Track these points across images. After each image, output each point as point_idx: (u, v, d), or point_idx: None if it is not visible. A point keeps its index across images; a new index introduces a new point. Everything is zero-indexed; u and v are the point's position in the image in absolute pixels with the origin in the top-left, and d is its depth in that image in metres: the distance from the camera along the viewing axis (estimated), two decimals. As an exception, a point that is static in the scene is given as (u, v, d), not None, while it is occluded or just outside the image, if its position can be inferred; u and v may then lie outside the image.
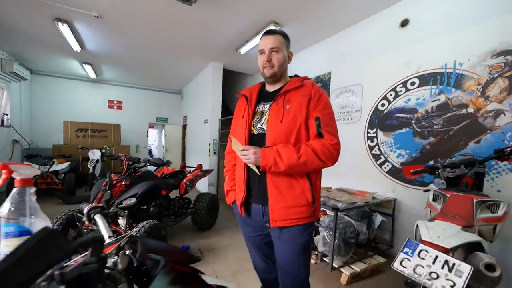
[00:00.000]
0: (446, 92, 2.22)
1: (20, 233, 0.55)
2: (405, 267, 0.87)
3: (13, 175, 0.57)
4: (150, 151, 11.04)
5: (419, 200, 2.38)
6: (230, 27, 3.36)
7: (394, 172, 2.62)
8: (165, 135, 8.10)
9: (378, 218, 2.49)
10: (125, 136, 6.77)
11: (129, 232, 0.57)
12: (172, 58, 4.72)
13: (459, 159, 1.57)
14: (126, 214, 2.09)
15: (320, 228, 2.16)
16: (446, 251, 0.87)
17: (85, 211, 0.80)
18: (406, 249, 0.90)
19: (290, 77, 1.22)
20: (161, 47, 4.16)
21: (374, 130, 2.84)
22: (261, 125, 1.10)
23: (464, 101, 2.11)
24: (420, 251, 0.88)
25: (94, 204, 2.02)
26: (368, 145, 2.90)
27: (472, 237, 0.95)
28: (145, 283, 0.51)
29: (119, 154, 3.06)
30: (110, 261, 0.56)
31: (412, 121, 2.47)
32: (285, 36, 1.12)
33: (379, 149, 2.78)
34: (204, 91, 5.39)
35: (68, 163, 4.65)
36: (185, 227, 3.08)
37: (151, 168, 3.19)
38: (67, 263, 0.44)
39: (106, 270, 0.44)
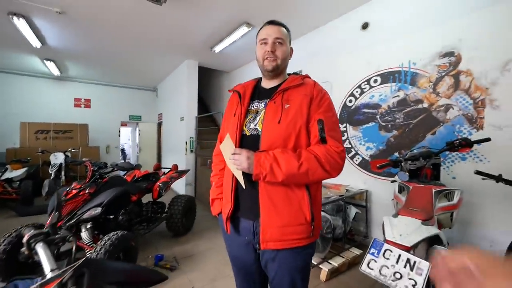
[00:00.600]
0: (404, 89, 2.38)
1: None
2: (372, 269, 0.89)
3: None
4: (123, 150, 10.47)
5: (388, 190, 2.52)
6: (202, 26, 3.30)
7: (364, 164, 2.75)
8: (139, 134, 7.71)
9: (353, 211, 2.60)
10: (94, 137, 6.32)
11: (76, 263, 0.50)
12: (145, 54, 4.50)
13: (418, 152, 1.67)
14: (89, 226, 1.96)
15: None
16: (407, 249, 0.92)
17: (24, 239, 0.69)
18: (372, 250, 0.93)
19: (289, 74, 1.09)
20: (132, 43, 3.94)
21: (344, 124, 2.95)
22: (255, 125, 0.95)
23: (419, 97, 2.27)
24: (385, 251, 0.91)
25: (50, 217, 1.85)
26: (340, 139, 3.00)
27: (430, 231, 1.01)
28: None
29: (83, 159, 2.84)
30: None
31: (377, 116, 2.59)
32: (288, 29, 1.02)
33: (349, 142, 2.89)
34: (180, 88, 5.20)
35: (24, 169, 4.21)
36: (159, 233, 2.94)
37: (120, 172, 3.01)
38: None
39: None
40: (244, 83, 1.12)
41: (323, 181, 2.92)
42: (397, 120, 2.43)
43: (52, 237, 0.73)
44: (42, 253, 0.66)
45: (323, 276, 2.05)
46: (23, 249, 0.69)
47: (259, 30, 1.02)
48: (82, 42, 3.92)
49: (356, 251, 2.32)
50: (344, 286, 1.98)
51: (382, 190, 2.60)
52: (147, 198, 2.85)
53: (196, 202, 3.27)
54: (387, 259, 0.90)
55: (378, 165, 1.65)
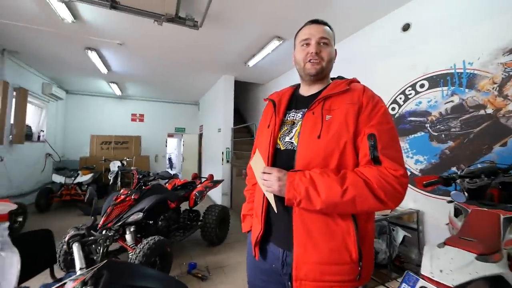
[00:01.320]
0: (459, 93, 2.04)
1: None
2: None
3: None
4: (170, 159, 11.48)
5: (446, 210, 2.15)
6: (236, 44, 3.50)
7: (414, 180, 2.41)
8: (183, 144, 8.36)
9: (400, 233, 2.27)
10: (146, 147, 7.12)
11: (99, 264, 0.56)
12: (187, 73, 4.96)
13: (479, 168, 1.39)
14: (132, 229, 2.16)
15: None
16: None
17: (66, 239, 0.81)
18: (404, 285, 0.77)
19: (333, 79, 0.94)
20: (176, 64, 4.41)
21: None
22: (290, 138, 0.82)
23: (480, 101, 1.91)
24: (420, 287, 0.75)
25: (103, 219, 2.11)
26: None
27: (488, 269, 0.80)
28: None
29: (132, 167, 3.19)
30: None
31: (426, 125, 2.27)
32: (332, 29, 0.90)
33: (394, 155, 2.59)
34: (218, 101, 5.51)
35: (91, 174, 4.95)
36: (194, 241, 3.06)
37: (162, 180, 3.28)
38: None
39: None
40: (280, 91, 1.00)
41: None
42: (453, 129, 2.08)
43: (86, 239, 0.82)
44: (75, 252, 0.76)
45: None
46: (65, 247, 0.79)
47: (299, 31, 0.90)
48: (136, 66, 4.56)
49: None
50: None
51: (438, 211, 2.22)
52: (184, 206, 3.02)
53: (231, 213, 3.32)
54: None
55: (424, 182, 1.42)
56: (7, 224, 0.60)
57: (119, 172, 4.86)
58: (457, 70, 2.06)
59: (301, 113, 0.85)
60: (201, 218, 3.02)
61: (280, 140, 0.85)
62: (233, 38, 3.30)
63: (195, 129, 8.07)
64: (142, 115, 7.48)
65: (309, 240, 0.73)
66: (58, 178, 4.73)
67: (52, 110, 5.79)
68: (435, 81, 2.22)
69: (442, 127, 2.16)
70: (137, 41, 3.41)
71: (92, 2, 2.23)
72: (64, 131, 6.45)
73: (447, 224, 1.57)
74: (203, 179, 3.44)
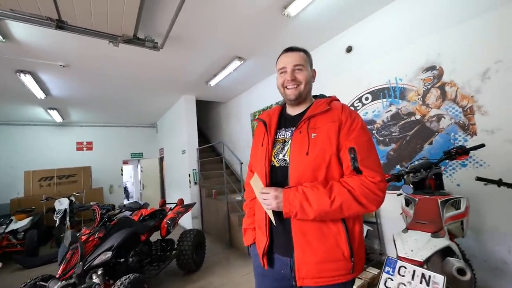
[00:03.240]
0: (395, 103, 2.51)
1: None
2: None
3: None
4: (125, 188, 10.39)
5: (397, 203, 2.51)
6: (197, 64, 3.54)
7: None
8: (141, 170, 7.74)
9: (364, 229, 2.56)
10: (97, 178, 6.32)
11: None
12: (144, 94, 4.74)
13: (418, 163, 1.73)
14: (100, 272, 1.92)
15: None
16: (421, 264, 0.93)
17: None
18: (387, 268, 0.93)
19: (315, 97, 1.04)
20: (131, 86, 4.18)
21: (344, 143, 3.03)
22: (284, 156, 0.92)
23: (411, 109, 2.39)
24: (400, 267, 0.92)
25: (61, 267, 1.83)
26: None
27: (441, 243, 1.03)
28: None
29: (91, 203, 2.85)
30: None
31: (373, 131, 2.69)
32: (307, 53, 0.99)
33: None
34: (179, 122, 5.37)
35: (29, 218, 4.16)
36: (171, 272, 2.85)
37: (127, 212, 3.00)
38: None
39: None
40: (269, 111, 1.10)
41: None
42: (394, 134, 2.52)
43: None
44: None
45: None
46: None
47: (277, 59, 1.00)
48: (84, 90, 4.15)
49: (373, 271, 2.25)
50: None
51: (391, 205, 2.57)
52: (155, 236, 2.80)
53: (205, 236, 3.21)
54: (403, 276, 0.90)
55: (381, 180, 1.69)
56: (18, 224, 0.53)
57: (67, 211, 4.20)
58: (392, 85, 2.53)
59: (290, 131, 0.96)
60: (175, 246, 2.84)
61: (274, 157, 0.95)
62: (195, 58, 3.34)
63: (155, 153, 7.61)
64: (90, 143, 6.73)
65: (306, 244, 0.83)
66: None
67: (-31, 146, 4.78)
68: (376, 94, 2.67)
69: (386, 133, 2.59)
70: (86, 62, 3.13)
71: (33, 21, 1.96)
72: (-14, 170, 5.34)
73: (401, 213, 1.85)
74: (172, 205, 3.26)
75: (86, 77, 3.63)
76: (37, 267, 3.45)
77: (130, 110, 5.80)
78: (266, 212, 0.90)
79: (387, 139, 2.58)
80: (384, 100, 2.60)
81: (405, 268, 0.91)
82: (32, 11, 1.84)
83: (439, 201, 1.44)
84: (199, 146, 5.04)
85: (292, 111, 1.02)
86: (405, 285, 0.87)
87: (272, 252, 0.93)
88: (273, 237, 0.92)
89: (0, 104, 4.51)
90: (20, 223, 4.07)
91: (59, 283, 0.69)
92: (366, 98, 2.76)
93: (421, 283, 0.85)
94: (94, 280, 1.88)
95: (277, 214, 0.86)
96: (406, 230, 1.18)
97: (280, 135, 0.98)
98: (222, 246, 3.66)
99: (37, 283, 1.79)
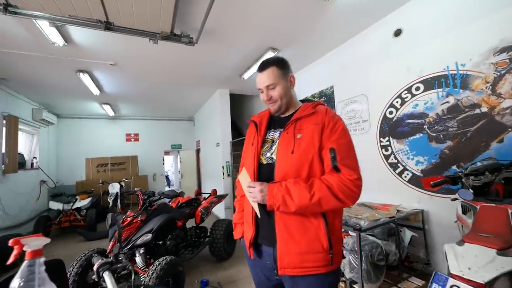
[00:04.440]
0: (454, 93, 2.14)
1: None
2: None
3: (24, 248, 0.58)
4: (167, 177, 11.29)
5: (450, 208, 2.20)
6: (231, 57, 3.56)
7: (416, 181, 2.47)
8: (181, 161, 8.29)
9: (407, 234, 2.30)
10: (142, 166, 7.02)
11: None
12: (182, 89, 4.99)
13: (482, 165, 1.45)
14: (142, 251, 2.11)
15: (344, 252, 2.03)
16: (480, 286, 0.76)
17: (95, 268, 0.81)
18: (434, 286, 0.79)
19: (302, 101, 1.13)
20: (170, 81, 4.44)
21: (387, 138, 2.74)
22: (271, 154, 1.00)
23: (475, 100, 2.01)
24: (451, 287, 0.77)
25: (111, 243, 2.06)
26: (383, 154, 2.79)
27: (510, 263, 0.83)
28: None
29: (135, 188, 3.15)
30: None
31: (424, 126, 2.36)
32: (280, 64, 1.02)
33: (395, 157, 2.66)
34: (214, 115, 5.55)
35: (89, 199, 4.83)
36: (204, 258, 3.01)
37: (166, 199, 3.24)
38: None
39: None
40: (260, 113, 1.19)
41: (368, 201, 2.71)
42: (451, 129, 2.17)
43: (115, 266, 0.82)
44: (107, 280, 0.76)
45: None
46: (94, 276, 0.79)
47: (256, 77, 1.07)
48: (129, 86, 4.56)
49: (417, 282, 2.03)
50: None
51: (443, 209, 2.27)
52: (191, 223, 2.97)
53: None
54: None
55: (432, 182, 1.47)
56: (43, 259, 0.60)
57: (119, 193, 4.75)
58: (451, 72, 2.16)
59: (278, 132, 1.04)
60: (208, 234, 2.97)
61: (262, 156, 1.03)
62: (228, 52, 3.36)
63: (192, 145, 8.05)
64: (136, 135, 7.42)
65: (288, 236, 0.90)
66: (55, 205, 4.59)
67: (44, 136, 5.68)
68: (429, 83, 2.32)
69: (440, 128, 2.25)
70: (130, 60, 3.42)
71: (86, 24, 2.18)
72: (57, 156, 6.31)
73: (455, 221, 1.60)
74: (206, 195, 3.41)
75: (131, 74, 3.97)
76: (95, 240, 4.00)
77: (170, 104, 6.20)
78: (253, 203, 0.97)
79: (441, 135, 2.24)
80: (440, 90, 2.24)
81: (458, 287, 0.76)
82: (86, 15, 2.04)
83: (510, 211, 1.19)
84: (232, 139, 5.14)
85: (281, 114, 1.10)
86: None
87: (258, 244, 1.00)
88: (259, 229, 0.99)
89: (66, 100, 5.25)
90: (83, 202, 4.76)
91: (100, 260, 0.77)
92: (417, 88, 2.43)
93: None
94: (137, 259, 2.08)
95: (262, 206, 0.93)
96: (462, 242, 1.00)
97: (269, 135, 1.07)
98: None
99: (93, 255, 2.06)
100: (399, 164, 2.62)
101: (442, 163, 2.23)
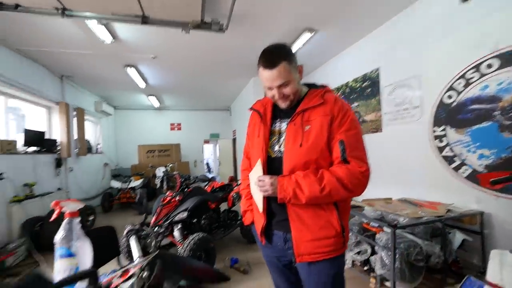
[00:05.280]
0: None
1: (68, 255, 0.66)
2: None
3: (63, 210, 0.70)
4: (207, 164, 12.06)
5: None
6: (263, 42, 3.32)
7: (476, 178, 2.10)
8: (219, 149, 8.71)
9: (458, 237, 2.01)
10: (185, 153, 7.62)
11: (153, 254, 0.66)
12: (217, 80, 5.17)
13: None
14: (179, 227, 2.33)
15: (376, 247, 1.89)
16: None
17: (124, 233, 0.92)
18: None
19: (308, 86, 1.04)
20: (206, 72, 4.63)
21: (442, 127, 2.36)
22: (279, 147, 0.97)
23: None
24: None
25: (153, 218, 2.33)
26: (437, 146, 2.42)
27: None
28: None
29: (174, 172, 3.44)
30: (129, 283, 0.62)
31: (495, 112, 1.95)
32: (289, 57, 0.91)
33: (451, 150, 2.29)
34: (248, 105, 5.60)
35: (141, 180, 5.50)
36: (235, 239, 3.16)
37: (201, 183, 3.46)
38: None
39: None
40: (262, 100, 1.10)
41: (414, 197, 2.42)
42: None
43: (140, 233, 0.92)
44: (132, 244, 0.86)
45: None
46: (124, 239, 0.91)
47: (258, 70, 0.94)
48: (170, 77, 4.91)
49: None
50: None
51: (509, 213, 1.90)
52: (224, 207, 3.13)
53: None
54: None
55: (492, 179, 1.23)
56: (79, 219, 0.70)
57: (165, 177, 5.27)
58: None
59: (285, 123, 0.99)
60: (239, 217, 3.10)
61: (270, 148, 1.00)
62: (260, 36, 3.25)
63: (229, 134, 8.34)
64: (179, 124, 8.02)
65: (302, 224, 0.91)
66: (115, 184, 5.40)
67: (104, 125, 6.59)
68: (508, 59, 1.88)
69: (517, 114, 1.83)
70: (168, 52, 3.64)
71: (125, 20, 2.39)
72: (116, 143, 7.28)
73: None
74: (239, 182, 3.52)
75: (170, 66, 4.24)
76: (146, 214, 4.61)
77: (207, 95, 6.49)
78: (263, 196, 0.96)
79: (516, 124, 1.83)
80: (522, 66, 1.80)
81: None
82: (125, 11, 2.25)
83: None
84: (267, 128, 5.14)
85: None
86: None
87: (270, 230, 1.02)
88: (271, 217, 1.00)
89: (118, 93, 5.96)
90: (136, 182, 5.45)
91: (129, 227, 0.93)
92: (489, 66, 1.99)
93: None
94: (175, 233, 2.32)
95: (274, 199, 0.93)
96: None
97: (276, 127, 1.02)
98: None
99: (141, 227, 2.36)
100: (455, 158, 2.25)
101: (514, 157, 1.84)
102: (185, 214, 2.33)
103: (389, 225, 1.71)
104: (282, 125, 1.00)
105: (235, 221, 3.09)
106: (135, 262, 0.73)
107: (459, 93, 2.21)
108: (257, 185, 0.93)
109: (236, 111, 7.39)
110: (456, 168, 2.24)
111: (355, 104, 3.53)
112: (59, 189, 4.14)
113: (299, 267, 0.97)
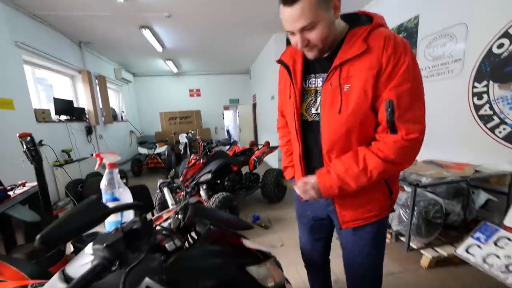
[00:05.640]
0: None
1: (113, 199, 0.75)
2: (472, 255, 0.66)
3: (104, 161, 0.77)
4: (228, 131, 12.30)
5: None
6: None
7: (516, 136, 1.93)
8: (239, 115, 8.73)
9: (482, 197, 1.95)
10: (205, 120, 7.76)
11: (184, 202, 0.74)
12: (235, 38, 4.86)
13: None
14: (205, 187, 2.50)
15: (395, 206, 1.90)
16: None
17: (158, 184, 1.02)
18: (478, 234, 0.68)
19: (351, 20, 0.78)
20: (223, 30, 4.36)
21: (484, 83, 2.12)
22: (316, 109, 0.82)
23: None
24: (499, 238, 0.64)
25: (181, 178, 2.50)
26: (474, 103, 2.21)
27: None
28: (193, 240, 0.65)
29: (196, 137, 3.57)
30: (167, 222, 0.71)
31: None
32: None
33: (491, 107, 2.08)
34: (269, 66, 5.35)
35: (166, 146, 5.81)
36: (256, 199, 3.37)
37: (223, 148, 3.57)
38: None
39: (158, 227, 0.58)
40: (291, 49, 0.88)
41: (441, 159, 2.32)
42: None
43: (172, 185, 1.02)
44: (166, 193, 0.96)
45: (424, 262, 1.77)
46: (157, 192, 1.02)
47: (279, 8, 0.72)
48: (186, 38, 4.71)
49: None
50: (454, 279, 1.61)
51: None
52: (245, 170, 3.27)
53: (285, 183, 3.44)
54: (501, 247, 0.63)
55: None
56: (117, 169, 0.77)
57: (187, 143, 5.51)
58: None
59: (321, 78, 0.81)
60: (260, 180, 3.24)
61: (306, 111, 0.85)
62: None
63: (249, 99, 8.24)
64: (198, 90, 8.02)
65: (346, 194, 0.81)
66: (143, 150, 5.78)
67: (126, 93, 6.78)
68: None
69: None
70: (183, 10, 3.45)
71: None
72: (138, 110, 7.57)
73: None
74: (260, 146, 3.59)
75: (186, 26, 4.05)
76: (174, 170, 4.99)
77: (225, 57, 6.25)
78: (300, 150, 0.89)
79: None
80: None
81: (509, 240, 0.62)
82: None
83: None
84: (286, 92, 4.96)
85: None
86: (498, 257, 0.61)
87: None
88: (309, 170, 0.91)
89: (136, 59, 5.90)
90: (161, 149, 5.77)
91: (161, 180, 1.05)
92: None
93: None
94: (201, 192, 2.51)
95: (315, 156, 0.87)
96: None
97: (311, 83, 0.83)
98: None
99: (172, 180, 2.59)
100: (494, 116, 2.06)
101: None
102: (209, 176, 2.48)
103: (410, 184, 1.69)
104: (318, 82, 0.82)
105: (256, 183, 3.24)
106: (170, 208, 0.82)
107: (512, 41, 1.90)
108: (298, 191, 0.84)
109: (256, 74, 7.14)
110: (493, 128, 2.07)
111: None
112: (92, 155, 4.55)
113: (342, 233, 0.93)
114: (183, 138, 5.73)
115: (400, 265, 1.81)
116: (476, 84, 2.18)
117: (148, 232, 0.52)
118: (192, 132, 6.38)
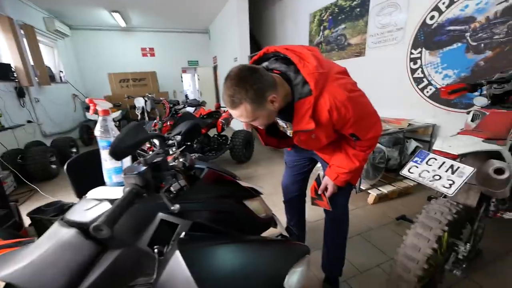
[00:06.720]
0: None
1: (109, 146, 0.80)
2: (411, 173, 0.95)
3: (97, 108, 0.78)
4: (186, 96, 11.60)
5: (460, 122, 2.25)
6: None
7: (437, 96, 2.43)
8: (198, 79, 8.27)
9: (412, 144, 2.50)
10: (161, 83, 7.13)
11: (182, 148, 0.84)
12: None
13: (510, 73, 1.39)
14: (174, 149, 2.51)
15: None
16: (454, 157, 0.91)
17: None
18: (416, 158, 0.96)
19: (286, 78, 0.85)
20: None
21: (419, 50, 2.51)
22: (290, 133, 1.02)
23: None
24: (429, 159, 0.94)
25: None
26: (410, 68, 2.63)
27: (489, 146, 0.95)
28: (193, 180, 0.77)
29: (160, 98, 3.39)
30: (171, 163, 0.81)
31: (466, 34, 2.09)
32: (251, 98, 0.74)
33: (422, 71, 2.51)
34: (231, 25, 5.08)
35: (120, 111, 5.31)
36: (225, 160, 3.52)
37: (189, 109, 3.50)
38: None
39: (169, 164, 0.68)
40: None
41: (384, 116, 2.76)
42: (496, 37, 1.92)
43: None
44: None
45: (370, 199, 2.21)
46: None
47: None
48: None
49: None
50: (391, 209, 2.11)
51: (454, 124, 2.32)
52: (212, 132, 3.33)
53: (254, 137, 3.63)
54: (430, 165, 0.93)
55: (449, 90, 1.47)
56: (111, 116, 0.80)
57: (145, 108, 5.13)
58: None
59: (288, 125, 0.97)
60: (229, 142, 3.37)
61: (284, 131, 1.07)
62: None
63: (209, 61, 7.79)
64: (152, 49, 7.19)
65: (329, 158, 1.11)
66: (92, 116, 5.15)
67: (62, 49, 5.70)
68: None
69: (485, 35, 1.99)
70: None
71: None
72: (80, 70, 6.51)
73: (461, 129, 1.68)
74: (225, 109, 3.62)
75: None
76: None
77: (183, 12, 5.64)
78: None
79: (482, 45, 2.02)
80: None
81: (435, 159, 0.93)
82: None
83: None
84: (250, 53, 4.89)
85: None
86: (428, 172, 0.92)
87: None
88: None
89: (72, 7, 4.89)
90: (114, 114, 5.26)
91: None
92: (474, -18, 2.00)
93: (446, 171, 0.88)
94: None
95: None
96: (455, 134, 1.11)
97: (279, 122, 1.02)
98: (267, 148, 4.15)
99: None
100: (424, 79, 2.51)
101: (472, 77, 2.12)
102: (178, 138, 2.47)
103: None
104: (287, 125, 0.98)
105: (225, 145, 3.36)
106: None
107: (441, 13, 2.26)
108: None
109: (216, 34, 6.67)
110: (423, 89, 2.54)
111: (342, 26, 3.41)
112: (29, 121, 3.94)
113: (324, 164, 1.16)
114: (139, 102, 5.27)
115: (352, 204, 2.24)
116: (413, 50, 2.57)
117: (165, 166, 0.61)
118: (150, 95, 5.88)
